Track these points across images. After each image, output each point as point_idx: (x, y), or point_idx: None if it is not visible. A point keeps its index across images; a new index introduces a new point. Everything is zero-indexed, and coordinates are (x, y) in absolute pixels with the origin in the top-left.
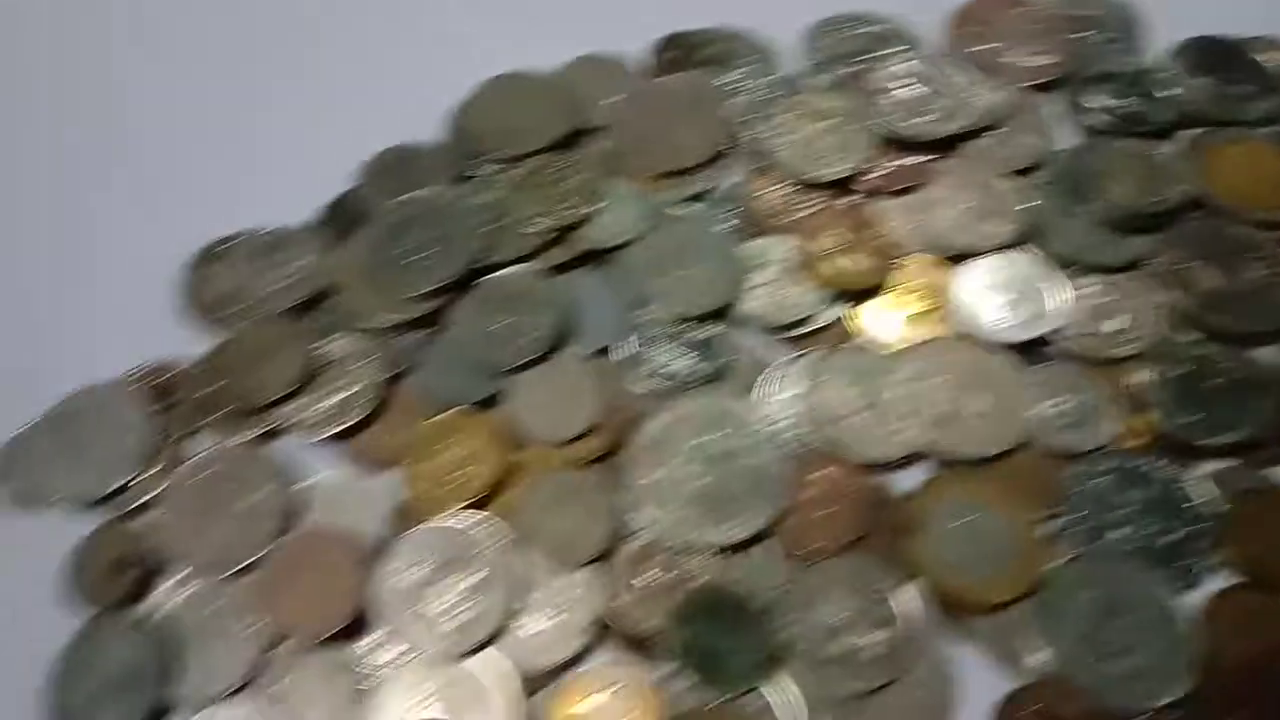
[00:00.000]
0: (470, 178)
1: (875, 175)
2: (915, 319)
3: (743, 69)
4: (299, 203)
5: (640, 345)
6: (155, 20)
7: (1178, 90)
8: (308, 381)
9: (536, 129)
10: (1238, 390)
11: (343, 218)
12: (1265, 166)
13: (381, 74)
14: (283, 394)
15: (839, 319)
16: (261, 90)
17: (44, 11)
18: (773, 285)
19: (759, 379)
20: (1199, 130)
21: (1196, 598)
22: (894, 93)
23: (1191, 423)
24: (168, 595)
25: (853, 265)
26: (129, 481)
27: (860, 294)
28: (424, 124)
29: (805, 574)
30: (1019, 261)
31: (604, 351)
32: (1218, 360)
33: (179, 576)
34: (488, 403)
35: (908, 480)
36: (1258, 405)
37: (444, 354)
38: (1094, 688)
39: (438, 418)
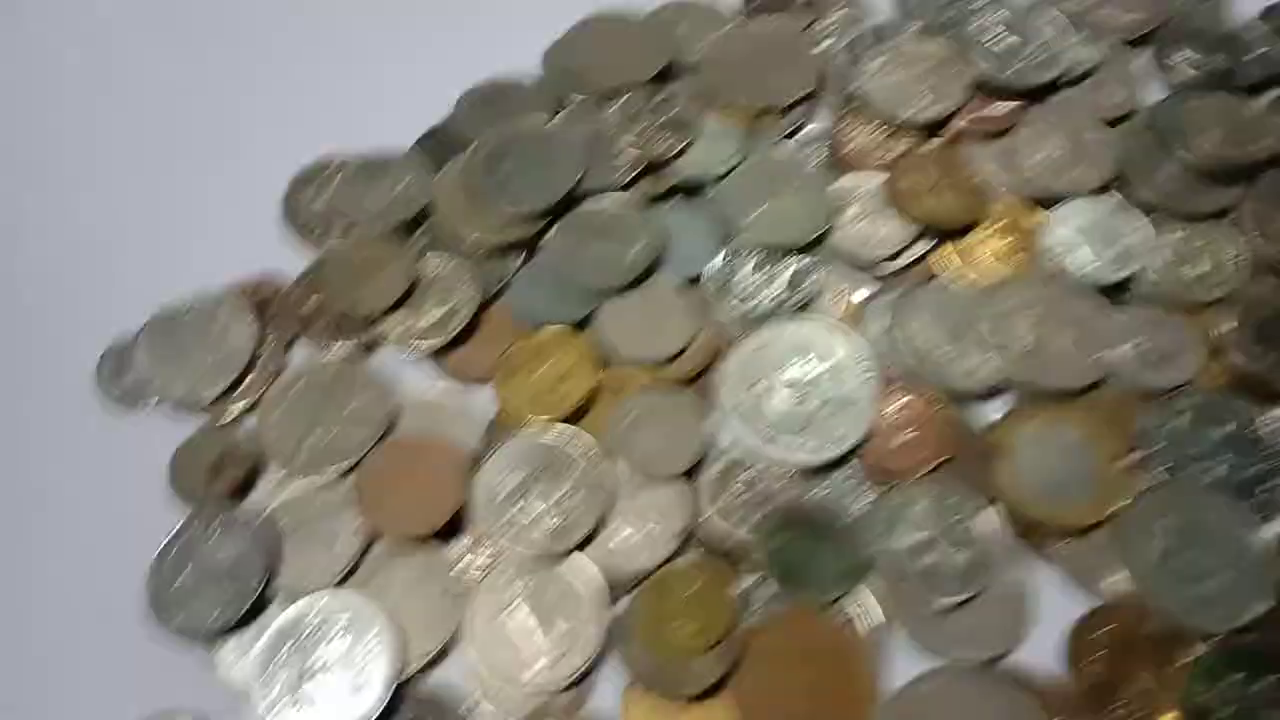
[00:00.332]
0: (566, 109)
1: (966, 120)
2: (1002, 257)
3: (835, 14)
4: (398, 131)
5: (731, 273)
6: None
7: (1265, 49)
8: (406, 297)
9: (631, 65)
10: None
11: (439, 146)
12: None
13: (480, 8)
14: (383, 309)
15: (925, 255)
16: (366, 18)
17: None
18: (862, 220)
19: (846, 310)
20: None
21: (1273, 528)
22: (988, 40)
23: (1269, 364)
24: (268, 496)
25: (941, 203)
26: (231, 387)
27: (949, 232)
28: (521, 59)
29: (888, 495)
30: (1106, 206)
31: (695, 280)
32: None
33: (278, 477)
34: (581, 325)
35: (990, 412)
36: None
37: (539, 276)
38: (1171, 610)
39: (534, 337)
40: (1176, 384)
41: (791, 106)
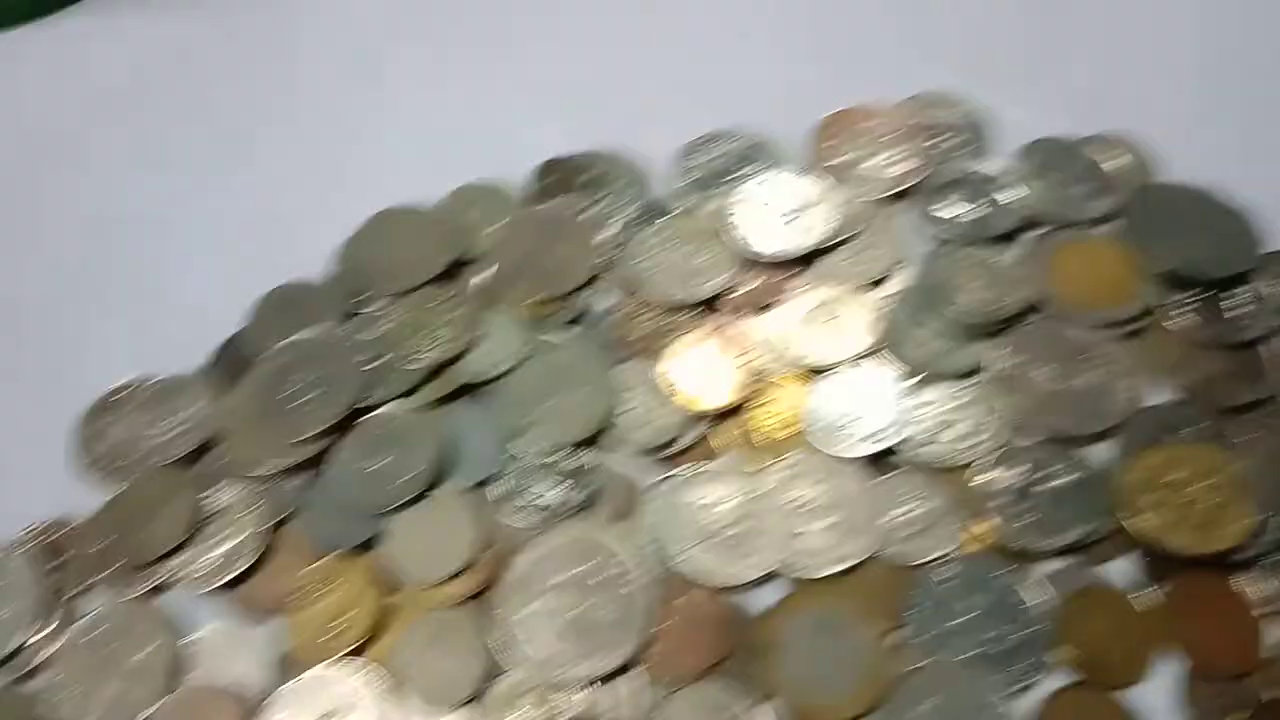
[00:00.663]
0: (356, 314)
1: (737, 294)
2: (773, 436)
3: (616, 192)
4: (193, 347)
5: (515, 477)
6: (45, 164)
7: (1021, 193)
8: (195, 533)
9: (418, 263)
10: (1072, 492)
11: (233, 361)
12: (1103, 265)
13: (271, 212)
14: (170, 548)
15: (703, 439)
16: (152, 233)
17: None
18: (642, 408)
19: (626, 504)
20: (1043, 230)
21: (1033, 699)
22: (752, 211)
23: (1028, 526)
24: None
25: (713, 385)
26: (24, 644)
27: (722, 414)
28: (316, 259)
29: (668, 701)
30: (871, 374)
31: (484, 484)
32: (1053, 463)
33: None
34: (370, 544)
35: (767, 599)
36: (1091, 506)
37: (324, 497)
38: None
39: (316, 564)
40: (941, 553)
41: (576, 291)
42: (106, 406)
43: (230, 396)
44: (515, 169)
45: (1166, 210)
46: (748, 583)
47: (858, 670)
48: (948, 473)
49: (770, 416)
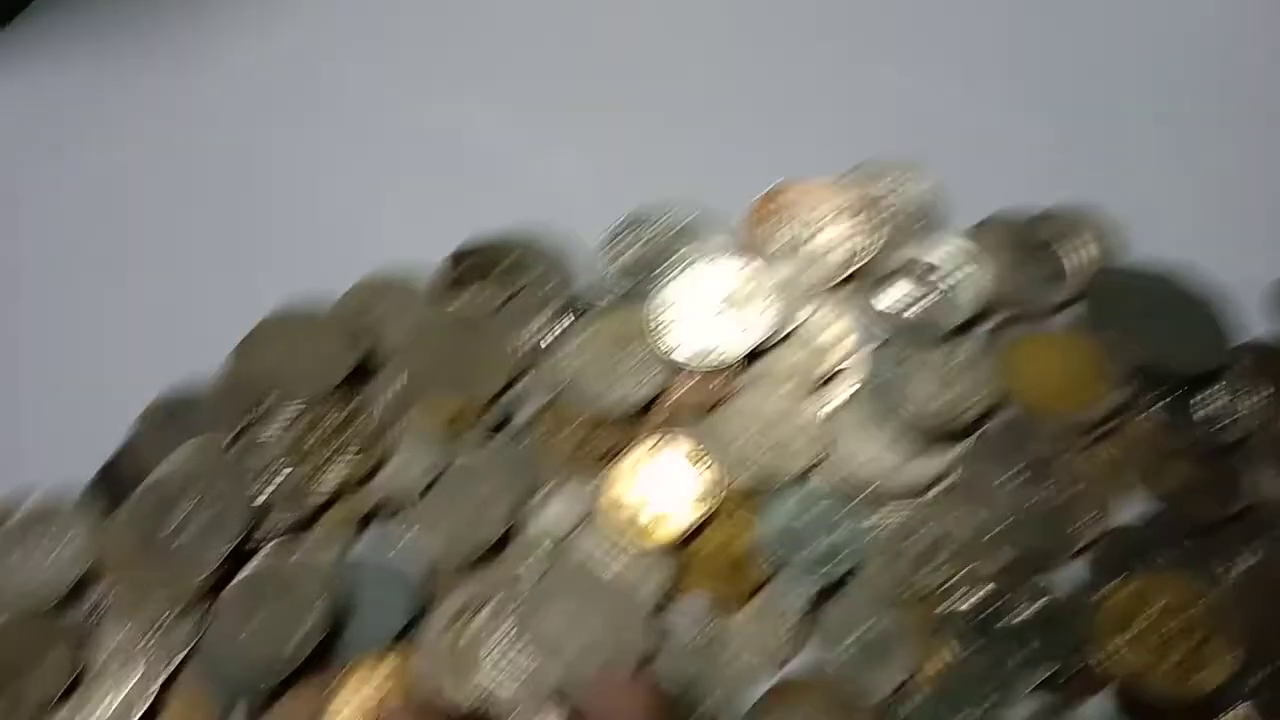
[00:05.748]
0: (248, 428)
1: (670, 401)
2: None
3: (536, 282)
4: (72, 467)
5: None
6: None
7: (972, 279)
8: (75, 687)
9: (317, 370)
10: (1039, 626)
11: (118, 480)
12: (1064, 361)
13: (162, 307)
14: (47, 702)
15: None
16: (29, 330)
17: None
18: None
19: None
20: (997, 319)
21: None
22: (681, 307)
23: (992, 663)
24: None
25: (655, 519)
26: None
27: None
28: (210, 357)
29: None
30: (815, 495)
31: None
32: (1018, 589)
33: None
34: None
35: None
36: (1060, 641)
37: (215, 648)
38: None
39: None
40: (898, 682)
41: (496, 397)
42: None
43: (109, 527)
44: (424, 255)
45: (1130, 297)
46: None
47: None
48: (905, 598)
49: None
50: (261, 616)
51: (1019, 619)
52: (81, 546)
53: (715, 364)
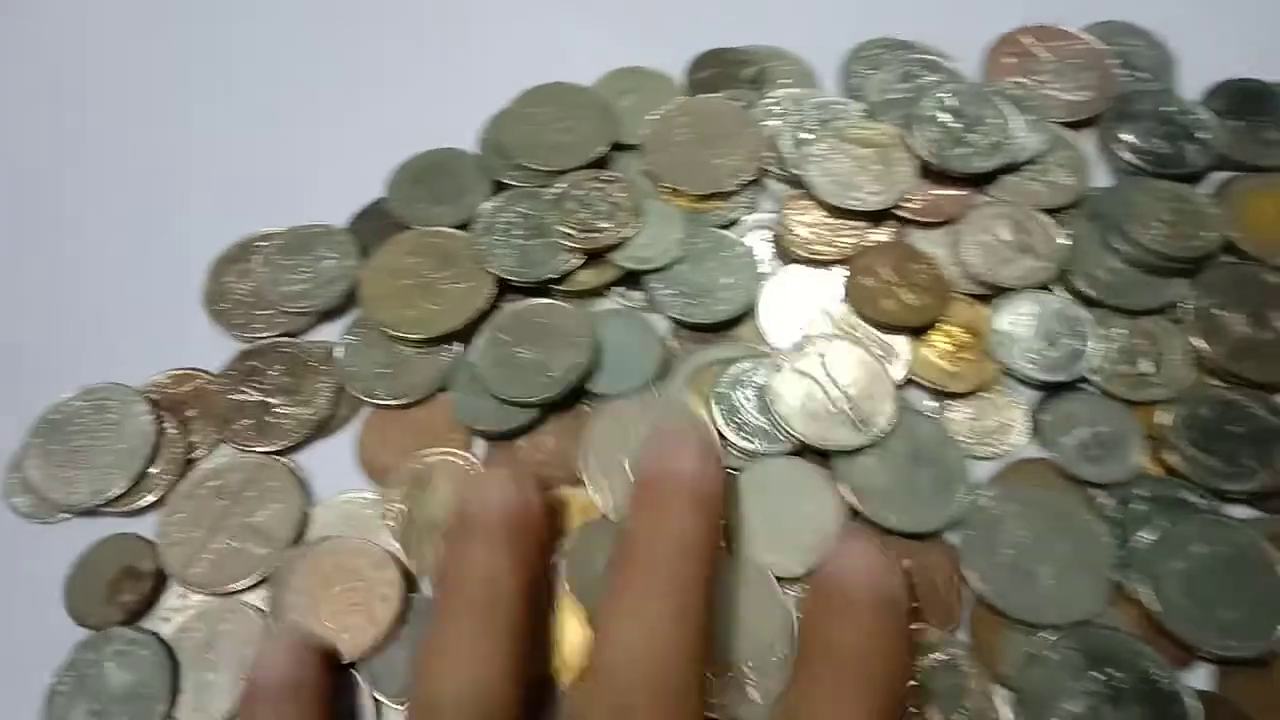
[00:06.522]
0: (503, 188)
1: (912, 207)
2: (947, 357)
3: (781, 92)
4: (329, 210)
5: None
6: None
7: (1209, 134)
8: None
9: (573, 145)
10: (1258, 438)
11: (371, 224)
12: None
13: (417, 80)
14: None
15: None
16: (297, 94)
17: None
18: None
19: None
20: (1230, 175)
21: None
22: (933, 125)
23: (1209, 467)
24: (171, 612)
25: (900, 305)
26: (135, 484)
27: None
28: (460, 132)
29: None
30: (1052, 301)
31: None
32: (1241, 407)
33: (181, 593)
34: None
35: None
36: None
37: (470, 380)
38: None
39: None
40: (1117, 479)
41: (740, 188)
42: (236, 258)
43: (373, 256)
44: (665, 59)
45: None
46: None
47: None
48: (1130, 405)
49: (947, 339)
50: (515, 359)
51: (1235, 433)
52: (341, 266)
53: (960, 171)
